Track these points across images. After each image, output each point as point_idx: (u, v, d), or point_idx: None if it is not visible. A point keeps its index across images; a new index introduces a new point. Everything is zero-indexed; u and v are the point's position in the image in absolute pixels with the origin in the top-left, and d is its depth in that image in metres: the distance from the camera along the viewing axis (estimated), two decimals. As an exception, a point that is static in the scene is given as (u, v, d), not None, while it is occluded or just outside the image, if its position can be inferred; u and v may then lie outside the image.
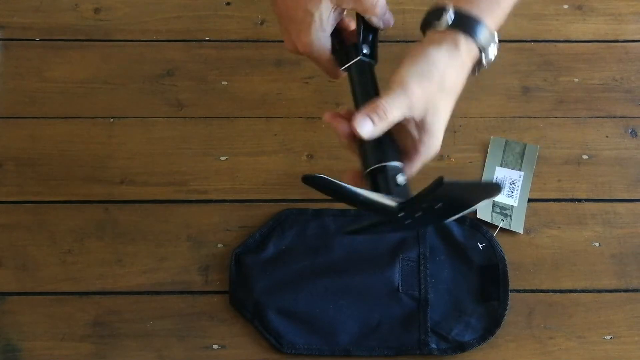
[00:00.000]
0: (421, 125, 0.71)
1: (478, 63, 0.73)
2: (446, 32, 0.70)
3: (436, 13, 0.71)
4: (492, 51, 0.73)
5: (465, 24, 0.70)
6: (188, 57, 1.02)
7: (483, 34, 0.71)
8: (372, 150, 0.71)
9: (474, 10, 0.71)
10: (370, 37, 0.79)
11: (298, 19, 0.76)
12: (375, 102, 0.69)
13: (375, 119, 0.69)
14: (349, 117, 0.71)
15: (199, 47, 1.02)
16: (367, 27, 0.78)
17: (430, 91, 0.69)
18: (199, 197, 0.96)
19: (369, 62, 0.78)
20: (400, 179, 0.70)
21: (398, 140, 0.72)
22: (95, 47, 1.02)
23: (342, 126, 0.71)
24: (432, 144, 0.72)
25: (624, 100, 1.01)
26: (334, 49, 0.79)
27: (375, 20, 0.77)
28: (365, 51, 0.77)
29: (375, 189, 0.71)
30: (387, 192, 0.70)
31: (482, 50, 0.72)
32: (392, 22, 0.78)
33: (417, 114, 0.70)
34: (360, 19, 0.78)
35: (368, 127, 0.69)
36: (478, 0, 0.71)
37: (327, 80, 1.01)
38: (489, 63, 0.73)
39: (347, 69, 0.78)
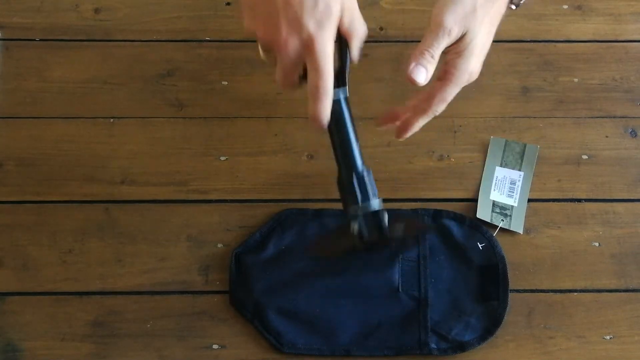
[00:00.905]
0: (457, 47, 0.74)
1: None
2: None
3: None
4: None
5: None
6: (188, 57, 1.02)
7: None
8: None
9: None
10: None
11: (320, 10, 0.70)
12: (420, 48, 0.72)
13: (427, 64, 0.73)
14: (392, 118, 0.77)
15: (199, 47, 1.02)
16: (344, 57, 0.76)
17: (465, 14, 0.73)
18: (199, 197, 0.96)
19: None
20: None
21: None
22: (95, 47, 1.02)
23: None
24: (466, 68, 0.75)
25: (624, 100, 1.01)
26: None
27: (356, 53, 0.76)
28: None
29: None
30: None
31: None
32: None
33: (455, 38, 0.74)
34: (345, 47, 0.76)
35: (422, 74, 0.73)
36: None
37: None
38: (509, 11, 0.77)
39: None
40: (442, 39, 0.73)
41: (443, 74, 0.76)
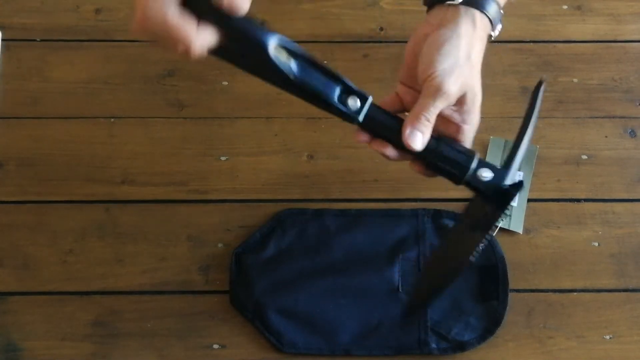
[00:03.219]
0: (460, 107, 0.71)
1: (488, 37, 0.74)
2: (460, 8, 0.70)
3: None
4: (499, 27, 0.74)
5: (482, 1, 0.71)
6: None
7: (493, 9, 0.72)
8: (448, 162, 0.71)
9: None
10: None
11: None
12: (415, 111, 0.68)
13: (423, 129, 0.69)
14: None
15: (200, 47, 1.02)
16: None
17: (463, 76, 0.69)
18: (200, 197, 0.96)
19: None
20: (485, 173, 0.71)
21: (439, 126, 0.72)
22: (96, 48, 1.03)
23: (389, 151, 0.71)
24: (474, 119, 0.72)
25: (623, 100, 1.01)
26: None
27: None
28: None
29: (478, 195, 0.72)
30: (487, 192, 0.70)
31: (492, 24, 0.72)
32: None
33: (454, 101, 0.70)
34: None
35: (419, 140, 0.69)
36: None
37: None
38: (495, 37, 0.74)
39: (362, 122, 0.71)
40: (439, 103, 0.69)
41: (453, 131, 0.73)
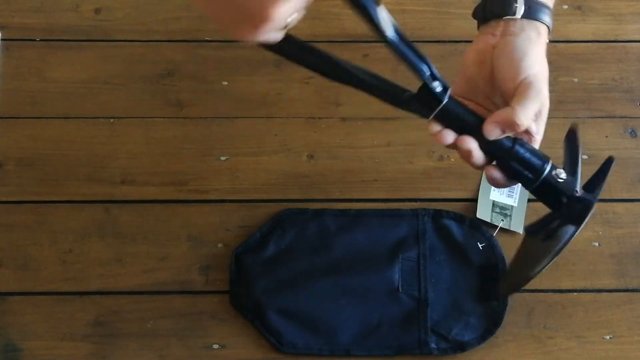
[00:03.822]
0: (537, 117, 0.72)
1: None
2: (523, 21, 0.72)
3: (503, 2, 0.72)
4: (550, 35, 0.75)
5: (538, 11, 0.72)
6: (188, 57, 1.02)
7: (550, 17, 0.73)
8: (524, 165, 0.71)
9: None
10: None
11: None
12: (508, 113, 0.69)
13: (506, 131, 0.70)
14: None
15: (199, 47, 1.03)
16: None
17: (547, 82, 0.71)
18: (199, 197, 0.96)
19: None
20: (562, 174, 0.72)
21: None
22: (95, 48, 1.03)
23: (469, 143, 0.71)
24: (542, 129, 0.74)
25: (624, 100, 1.01)
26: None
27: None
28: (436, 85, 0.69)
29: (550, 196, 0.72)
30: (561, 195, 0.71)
31: (550, 31, 0.74)
32: None
33: (546, 104, 0.72)
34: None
35: (495, 135, 0.70)
36: None
37: (327, 80, 1.01)
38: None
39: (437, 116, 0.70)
40: (535, 105, 0.70)
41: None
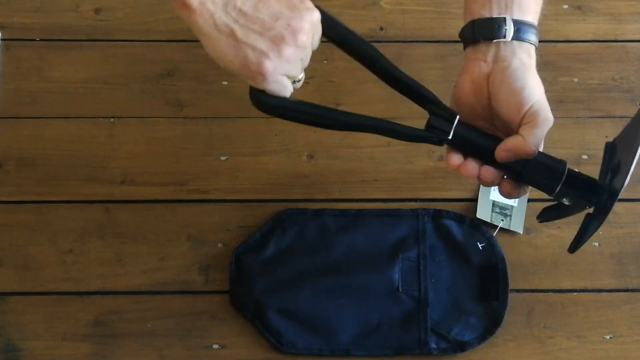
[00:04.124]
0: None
1: None
2: (514, 43, 0.73)
3: (492, 24, 0.73)
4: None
5: (526, 31, 0.73)
6: (188, 57, 1.02)
7: (537, 37, 0.74)
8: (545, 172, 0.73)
9: (528, 17, 0.74)
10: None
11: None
12: (523, 142, 0.71)
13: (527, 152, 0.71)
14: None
15: (199, 47, 1.01)
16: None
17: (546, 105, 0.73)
18: (200, 197, 0.96)
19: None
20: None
21: None
22: (95, 47, 1.03)
23: (485, 171, 0.74)
24: (542, 141, 0.75)
25: (624, 100, 1.01)
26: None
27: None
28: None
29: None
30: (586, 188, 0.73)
31: (536, 50, 0.75)
32: None
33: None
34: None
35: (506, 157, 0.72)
36: (527, 4, 0.74)
37: (327, 80, 1.01)
38: None
39: (452, 141, 0.74)
40: (545, 130, 0.72)
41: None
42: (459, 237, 0.94)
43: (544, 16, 1.04)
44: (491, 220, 0.95)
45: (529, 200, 0.96)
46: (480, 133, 0.74)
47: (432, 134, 0.73)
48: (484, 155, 0.73)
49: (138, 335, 0.91)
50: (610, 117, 1.00)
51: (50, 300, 0.92)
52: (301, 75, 0.72)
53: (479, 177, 0.74)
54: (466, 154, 0.74)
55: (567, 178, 0.72)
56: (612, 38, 1.04)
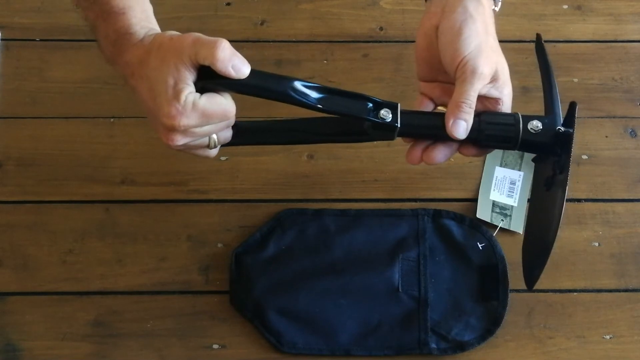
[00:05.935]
0: (496, 82, 0.72)
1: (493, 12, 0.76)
2: None
3: None
4: (499, 1, 0.75)
5: None
6: (188, 57, 1.02)
7: None
8: (497, 133, 0.72)
9: None
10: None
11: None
12: (455, 100, 0.69)
13: (466, 116, 0.70)
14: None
15: (199, 47, 1.02)
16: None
17: (490, 53, 0.70)
18: (199, 197, 0.96)
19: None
20: (536, 123, 0.73)
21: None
22: (95, 47, 1.02)
23: (439, 154, 0.74)
24: (508, 89, 0.73)
25: (624, 100, 1.01)
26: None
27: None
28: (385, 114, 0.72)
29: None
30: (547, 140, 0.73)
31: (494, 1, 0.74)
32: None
33: (489, 79, 0.71)
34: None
35: (463, 128, 0.70)
36: None
37: (327, 80, 1.01)
38: (496, 13, 0.76)
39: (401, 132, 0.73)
40: (477, 86, 0.69)
41: (492, 106, 0.74)
42: (459, 237, 0.94)
43: (544, 16, 1.05)
44: (491, 220, 0.95)
45: (529, 200, 0.96)
46: (425, 114, 0.74)
47: (383, 121, 0.71)
48: (436, 134, 0.73)
49: (138, 335, 0.91)
50: (610, 117, 1.00)
51: (50, 300, 0.92)
52: (214, 137, 0.74)
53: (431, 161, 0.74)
54: (419, 137, 0.74)
55: (522, 139, 0.71)
56: (612, 38, 1.04)
